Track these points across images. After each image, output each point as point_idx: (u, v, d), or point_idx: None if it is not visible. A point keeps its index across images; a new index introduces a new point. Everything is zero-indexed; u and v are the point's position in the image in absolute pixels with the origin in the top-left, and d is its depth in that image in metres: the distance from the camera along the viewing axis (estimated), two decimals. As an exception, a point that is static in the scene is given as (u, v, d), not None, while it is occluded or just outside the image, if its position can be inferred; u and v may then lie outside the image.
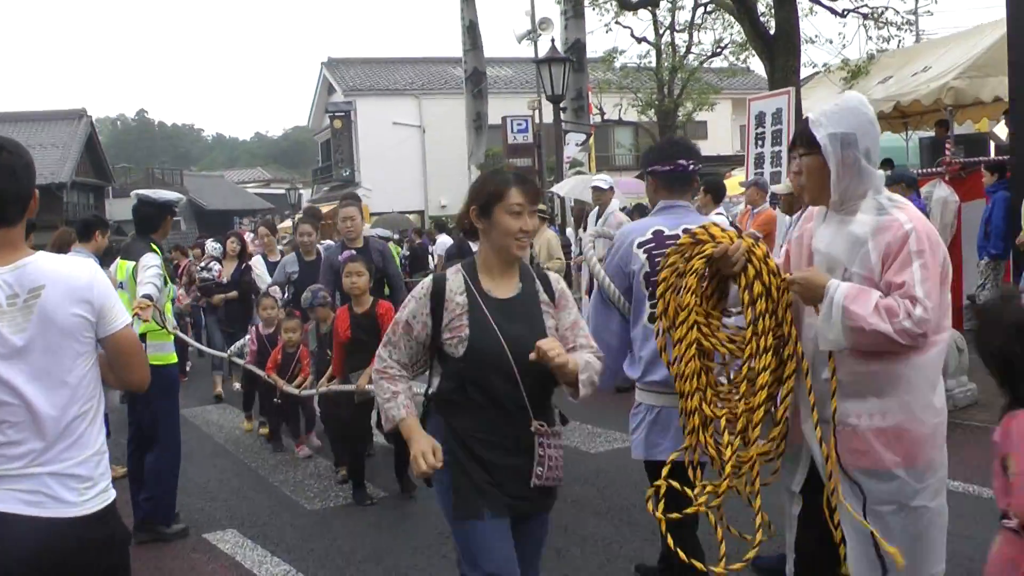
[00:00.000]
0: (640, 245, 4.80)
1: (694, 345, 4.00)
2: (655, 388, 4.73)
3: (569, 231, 19.14)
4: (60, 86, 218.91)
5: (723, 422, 3.96)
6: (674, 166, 4.88)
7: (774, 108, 15.05)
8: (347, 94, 45.14)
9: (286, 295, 10.40)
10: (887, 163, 19.48)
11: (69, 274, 3.32)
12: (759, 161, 15.11)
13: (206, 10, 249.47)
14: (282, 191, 56.62)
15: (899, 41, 20.78)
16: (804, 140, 3.89)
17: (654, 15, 33.61)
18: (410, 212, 42.72)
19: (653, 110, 35.90)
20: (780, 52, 17.33)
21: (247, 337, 10.34)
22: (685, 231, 4.39)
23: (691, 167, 4.93)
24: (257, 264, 12.54)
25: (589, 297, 12.92)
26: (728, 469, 3.84)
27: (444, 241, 22.62)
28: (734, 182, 20.89)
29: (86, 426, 3.38)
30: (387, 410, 3.93)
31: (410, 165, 43.95)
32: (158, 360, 7.03)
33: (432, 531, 6.91)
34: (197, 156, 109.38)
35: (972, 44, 17.06)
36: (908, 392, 3.73)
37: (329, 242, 11.85)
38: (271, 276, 11.45)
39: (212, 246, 13.80)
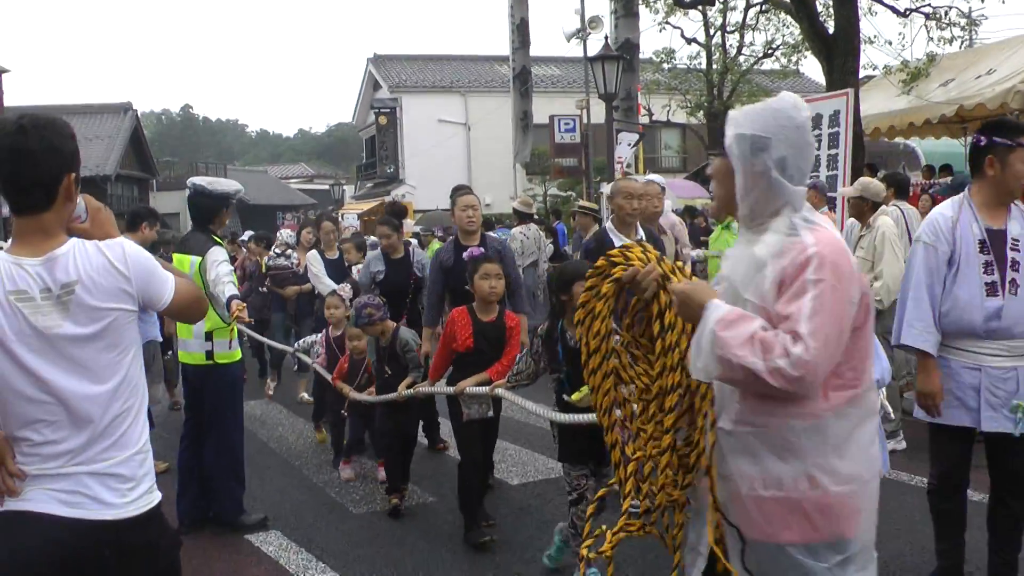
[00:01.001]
0: None
1: (612, 376, 3.58)
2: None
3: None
4: (107, 80, 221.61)
5: (630, 467, 3.53)
6: None
7: (831, 110, 14.63)
8: (393, 91, 44.97)
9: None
10: (945, 169, 19.11)
11: (103, 267, 3.10)
12: (815, 164, 14.69)
13: (251, 7, 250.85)
14: (325, 187, 56.67)
15: (961, 43, 20.25)
16: (720, 139, 3.31)
17: (705, 15, 33.29)
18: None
19: (702, 112, 35.55)
20: (839, 52, 16.86)
21: (315, 336, 9.55)
22: None
23: None
24: (314, 260, 10.83)
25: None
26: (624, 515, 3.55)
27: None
28: None
29: (129, 423, 3.17)
30: None
31: (455, 163, 43.63)
32: (224, 358, 7.01)
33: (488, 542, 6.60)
34: (240, 152, 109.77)
35: None
36: (807, 457, 3.14)
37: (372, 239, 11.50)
38: (329, 275, 10.49)
39: (288, 234, 13.04)
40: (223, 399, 7.01)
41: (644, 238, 7.39)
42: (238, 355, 7.19)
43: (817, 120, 14.78)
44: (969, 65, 18.67)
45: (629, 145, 17.99)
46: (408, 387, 7.24)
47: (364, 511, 7.54)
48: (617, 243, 6.98)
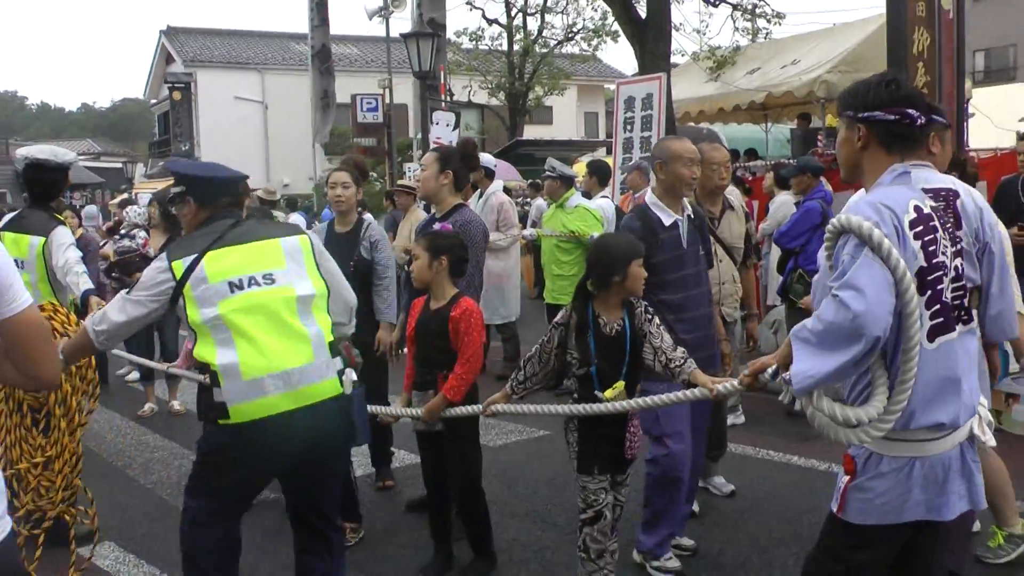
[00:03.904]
0: (911, 227, 3.35)
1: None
2: (932, 434, 3.42)
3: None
4: None
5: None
6: (901, 115, 3.50)
7: (644, 93, 14.87)
8: (187, 65, 43.61)
9: None
10: (751, 153, 19.64)
11: None
12: (628, 146, 14.91)
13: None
14: (114, 165, 54.36)
15: (766, 34, 20.99)
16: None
17: (506, -5, 33.54)
18: (251, 191, 41.63)
19: (503, 93, 35.78)
20: (650, 37, 17.13)
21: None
22: (933, 207, 3.44)
23: (920, 122, 3.53)
24: None
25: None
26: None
27: (298, 220, 21.67)
28: (580, 167, 20.86)
29: None
30: None
31: (252, 142, 42.65)
32: None
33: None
34: (20, 126, 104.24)
35: (841, 40, 17.47)
36: None
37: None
38: None
39: (136, 211, 11.35)
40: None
41: (692, 215, 5.97)
42: None
43: (630, 102, 14.97)
44: (773, 56, 19.38)
45: (447, 125, 17.80)
46: None
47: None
48: (666, 220, 5.76)
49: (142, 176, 48.57)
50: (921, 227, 3.34)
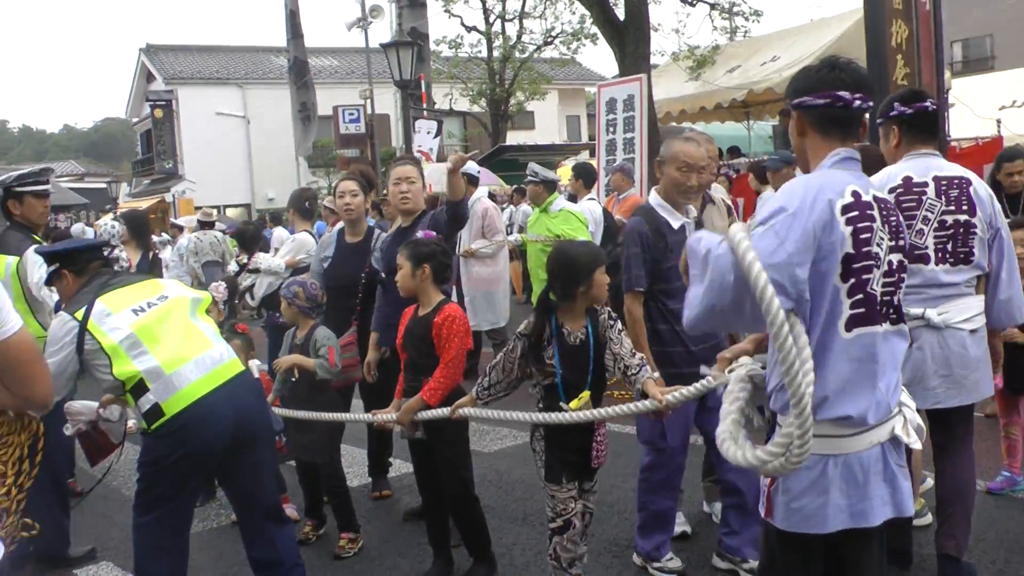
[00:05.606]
0: (843, 211, 3.20)
1: None
2: (841, 429, 3.26)
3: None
4: None
5: None
6: (832, 98, 3.34)
7: (625, 95, 14.92)
8: (168, 82, 43.59)
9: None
10: (733, 151, 19.74)
11: None
12: (611, 148, 14.97)
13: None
14: (98, 185, 54.19)
15: (745, 32, 21.06)
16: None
17: (484, 3, 33.54)
18: (236, 206, 41.69)
19: (484, 100, 35.83)
20: (630, 39, 17.16)
21: None
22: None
23: (857, 103, 3.35)
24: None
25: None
26: None
27: (280, 234, 21.58)
28: (565, 171, 20.92)
29: None
30: None
31: (235, 157, 42.67)
32: None
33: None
34: (3, 149, 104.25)
35: (821, 35, 17.56)
36: None
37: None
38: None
39: (111, 228, 10.84)
40: (46, 415, 6.36)
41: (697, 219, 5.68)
42: None
43: (612, 105, 15.02)
44: (753, 53, 19.44)
45: (429, 133, 17.81)
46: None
47: (199, 529, 6.96)
48: (674, 223, 5.46)
49: (126, 195, 48.50)
50: (855, 213, 3.20)
